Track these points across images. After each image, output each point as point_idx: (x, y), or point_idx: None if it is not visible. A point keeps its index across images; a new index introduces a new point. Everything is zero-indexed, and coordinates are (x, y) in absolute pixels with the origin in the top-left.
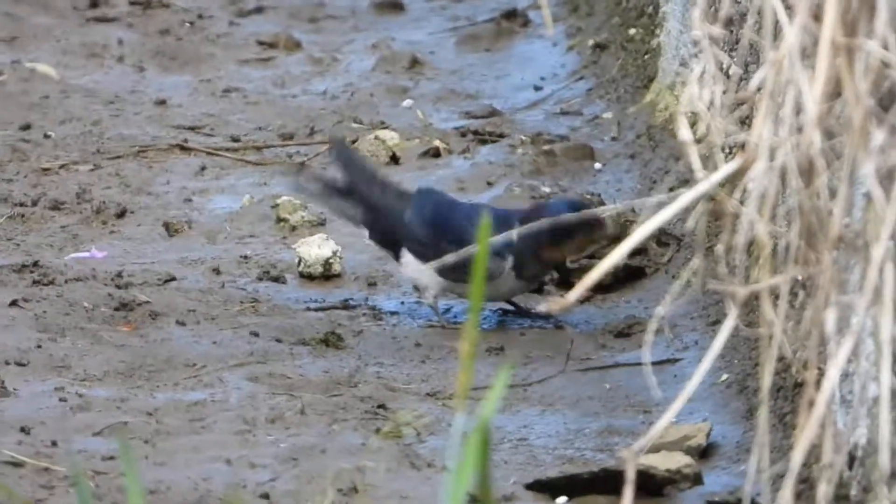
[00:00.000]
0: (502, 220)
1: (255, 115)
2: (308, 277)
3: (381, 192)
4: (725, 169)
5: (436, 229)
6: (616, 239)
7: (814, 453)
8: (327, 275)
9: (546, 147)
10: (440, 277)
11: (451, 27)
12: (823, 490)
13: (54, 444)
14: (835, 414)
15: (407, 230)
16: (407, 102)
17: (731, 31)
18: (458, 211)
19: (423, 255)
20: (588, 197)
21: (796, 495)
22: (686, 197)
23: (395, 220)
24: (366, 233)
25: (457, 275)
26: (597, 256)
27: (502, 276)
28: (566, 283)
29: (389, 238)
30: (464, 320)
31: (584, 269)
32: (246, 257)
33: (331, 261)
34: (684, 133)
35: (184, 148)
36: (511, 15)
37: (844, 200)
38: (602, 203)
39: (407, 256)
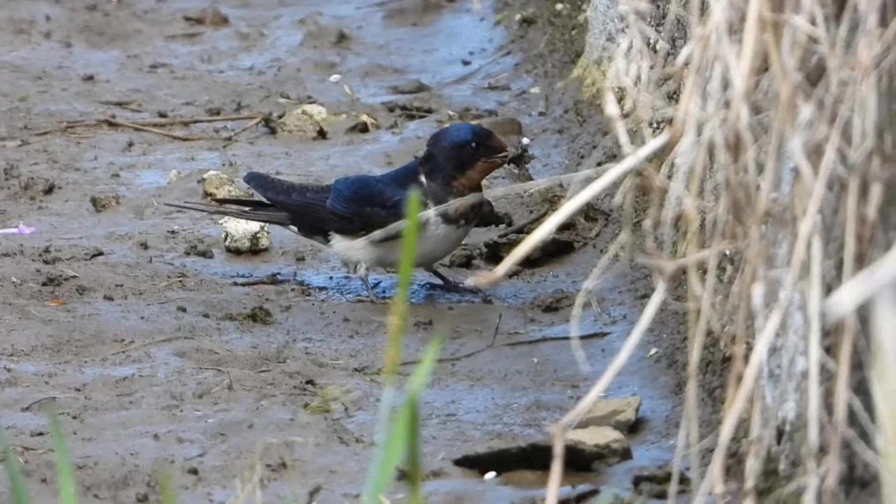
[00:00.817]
0: (409, 173)
1: (183, 91)
2: (235, 252)
3: (301, 194)
4: (653, 144)
5: (356, 201)
6: (517, 159)
7: (742, 428)
8: (255, 249)
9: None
10: (372, 247)
11: (378, 2)
12: (752, 464)
13: None
14: (763, 388)
15: (331, 214)
16: (334, 77)
17: (658, 6)
18: (371, 179)
19: (350, 231)
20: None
21: (725, 470)
22: (614, 172)
23: (318, 209)
24: (295, 229)
25: (387, 245)
26: (525, 231)
27: (430, 224)
28: (494, 258)
29: (317, 226)
30: (392, 295)
31: (513, 244)
32: (173, 232)
33: (258, 235)
34: (611, 108)
35: (111, 124)
36: None
37: (772, 175)
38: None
39: (335, 237)
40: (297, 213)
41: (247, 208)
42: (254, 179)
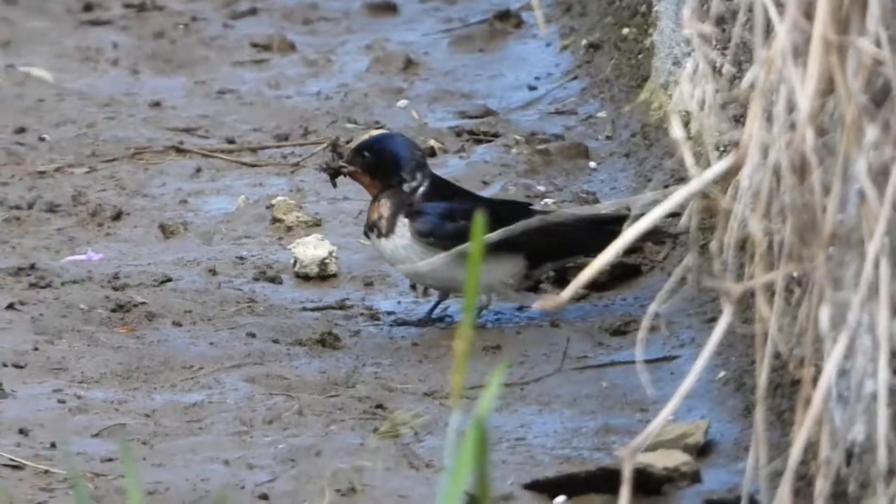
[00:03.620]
0: None
1: (250, 117)
2: (304, 278)
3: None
4: (718, 167)
5: None
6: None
7: (811, 450)
8: (323, 275)
9: (541, 146)
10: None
11: (444, 28)
12: (821, 487)
13: (53, 446)
14: (832, 411)
15: None
16: (402, 103)
17: (723, 30)
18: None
19: None
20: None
21: (794, 492)
22: (680, 195)
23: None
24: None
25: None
26: (592, 256)
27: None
28: (562, 282)
29: None
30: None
31: (580, 268)
32: (242, 258)
33: (326, 261)
34: (677, 132)
35: (179, 150)
36: (504, 16)
37: (838, 197)
38: (597, 201)
39: None
40: None
41: None
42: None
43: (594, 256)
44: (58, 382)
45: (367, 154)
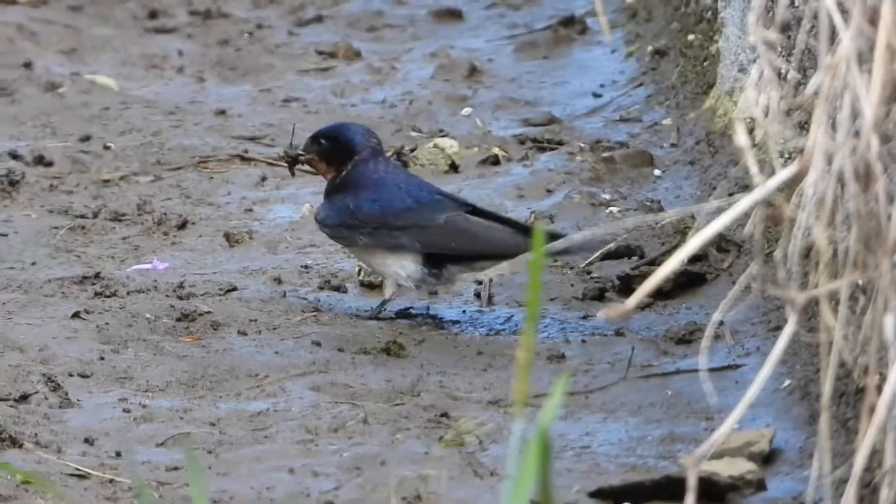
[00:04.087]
0: None
1: (315, 125)
2: (369, 286)
3: None
4: (783, 174)
5: None
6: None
7: (876, 458)
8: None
9: (605, 154)
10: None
11: (508, 35)
12: (886, 494)
13: (118, 455)
14: None
15: None
16: (466, 110)
17: (788, 36)
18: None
19: None
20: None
21: (859, 500)
22: (744, 203)
23: None
24: None
25: None
26: (657, 263)
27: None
28: (627, 290)
29: None
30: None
31: (645, 276)
32: (307, 267)
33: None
34: (742, 139)
35: (244, 158)
36: (569, 22)
37: None
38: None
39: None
40: None
41: None
42: None
43: (505, 259)
44: (123, 391)
45: (323, 141)
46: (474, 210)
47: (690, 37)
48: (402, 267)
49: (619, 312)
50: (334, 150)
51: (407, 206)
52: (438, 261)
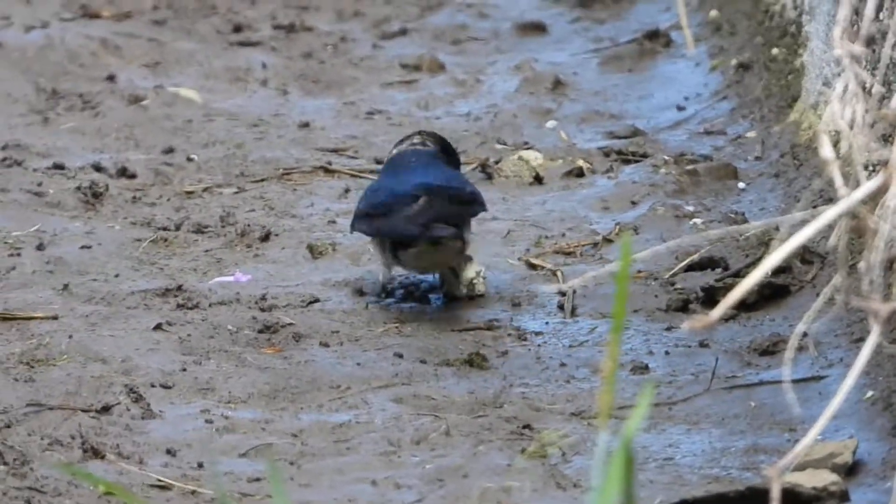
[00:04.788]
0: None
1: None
2: (452, 298)
3: None
4: (867, 186)
5: None
6: None
7: None
8: (471, 295)
9: (689, 167)
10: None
11: (593, 48)
12: None
13: (200, 466)
14: None
15: None
16: (550, 123)
17: (873, 50)
18: None
19: None
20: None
21: None
22: (828, 214)
23: None
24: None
25: None
26: (741, 275)
27: None
28: (711, 302)
29: None
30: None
31: (729, 288)
32: (391, 279)
33: (474, 281)
34: (826, 151)
35: (328, 170)
36: (653, 35)
37: None
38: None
39: None
40: None
41: None
42: None
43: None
44: (205, 403)
45: None
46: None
47: (774, 50)
48: (378, 251)
49: (703, 324)
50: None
51: (380, 200)
52: (394, 246)
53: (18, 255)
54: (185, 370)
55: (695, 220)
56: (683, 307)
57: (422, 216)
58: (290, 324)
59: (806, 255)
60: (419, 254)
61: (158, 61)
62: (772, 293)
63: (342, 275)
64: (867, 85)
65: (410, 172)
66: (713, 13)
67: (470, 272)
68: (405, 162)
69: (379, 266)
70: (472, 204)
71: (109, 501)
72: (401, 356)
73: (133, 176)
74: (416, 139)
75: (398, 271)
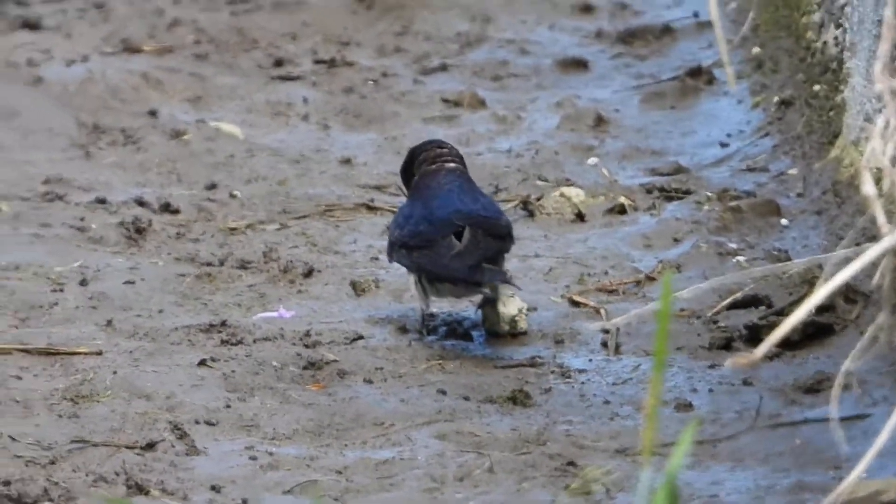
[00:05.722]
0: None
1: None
2: (494, 335)
3: None
4: None
5: None
6: None
7: None
8: (514, 332)
9: (732, 203)
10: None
11: (635, 85)
12: None
13: (245, 502)
14: None
15: None
16: (592, 160)
17: None
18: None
19: None
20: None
21: None
22: (872, 252)
23: None
24: None
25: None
26: (784, 313)
27: None
28: (754, 340)
29: None
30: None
31: (773, 326)
32: (433, 315)
33: (517, 318)
34: (869, 188)
35: (370, 207)
36: (695, 72)
37: None
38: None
39: None
40: None
41: None
42: None
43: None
44: (249, 439)
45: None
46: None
47: (816, 87)
48: (415, 283)
49: (747, 362)
50: (406, 164)
51: (418, 230)
52: (421, 276)
53: (61, 290)
54: (229, 406)
55: (738, 257)
56: (727, 345)
57: (468, 256)
58: (335, 360)
59: (849, 293)
60: (459, 290)
61: (200, 96)
62: (815, 331)
63: (385, 311)
64: None
65: (444, 197)
66: (755, 50)
67: (512, 309)
68: (437, 184)
69: (414, 295)
70: (508, 237)
71: None
72: (444, 393)
73: (176, 211)
74: (445, 157)
75: (436, 302)
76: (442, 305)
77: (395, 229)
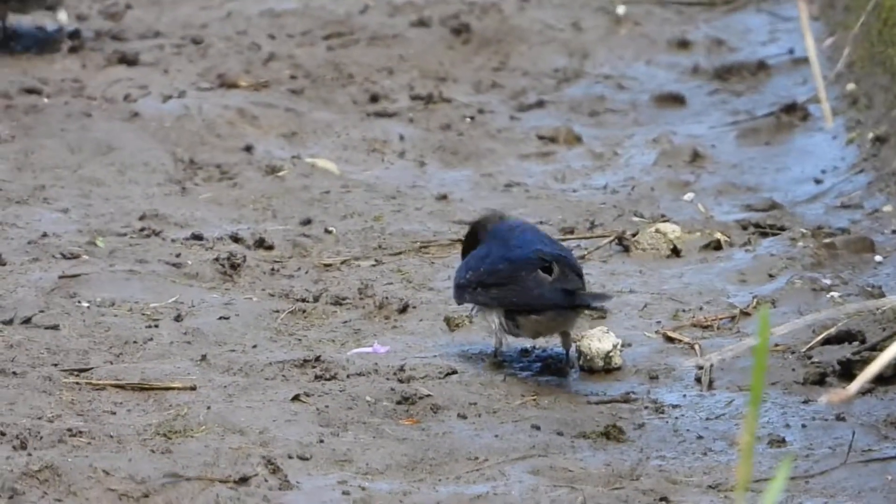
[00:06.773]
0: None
1: (536, 210)
2: (589, 370)
3: None
4: None
5: None
6: None
7: None
8: (608, 368)
9: (827, 240)
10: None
11: (731, 121)
12: None
13: None
14: None
15: None
16: (688, 196)
17: None
18: None
19: None
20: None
21: None
22: None
23: None
24: None
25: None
26: (878, 349)
27: None
28: (848, 375)
29: None
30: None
31: (866, 361)
32: (527, 351)
33: (611, 354)
34: None
35: None
36: (791, 109)
37: None
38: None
39: None
40: None
41: None
42: None
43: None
44: (342, 474)
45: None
46: (553, 264)
47: None
48: (492, 320)
49: (840, 398)
50: (470, 234)
51: (496, 269)
52: (511, 312)
53: (156, 326)
54: (322, 441)
55: (832, 293)
56: (820, 380)
57: (561, 283)
58: (428, 395)
59: None
60: (545, 321)
61: (295, 131)
62: None
63: (479, 347)
64: None
65: (520, 241)
66: (850, 86)
67: (607, 345)
68: (506, 232)
69: (488, 332)
70: (582, 277)
71: None
72: (538, 428)
73: (271, 247)
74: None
75: (511, 342)
76: (536, 341)
77: (466, 272)
